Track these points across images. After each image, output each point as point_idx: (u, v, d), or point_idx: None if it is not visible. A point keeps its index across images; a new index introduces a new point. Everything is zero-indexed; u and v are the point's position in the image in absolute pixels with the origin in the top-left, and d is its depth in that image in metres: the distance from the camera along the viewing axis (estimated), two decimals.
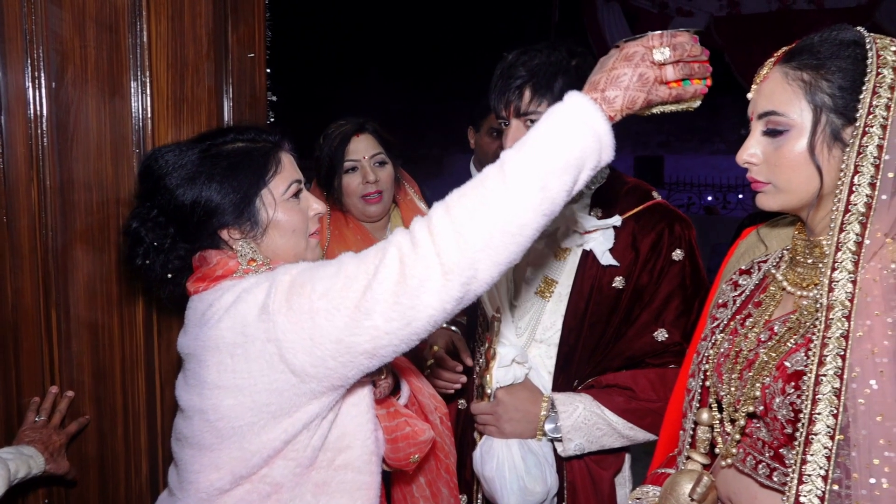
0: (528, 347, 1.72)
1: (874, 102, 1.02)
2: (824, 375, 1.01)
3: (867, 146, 1.02)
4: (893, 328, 1.00)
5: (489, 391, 1.66)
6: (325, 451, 1.26)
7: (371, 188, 2.11)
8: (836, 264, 1.04)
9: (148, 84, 1.63)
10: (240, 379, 1.18)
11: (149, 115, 1.64)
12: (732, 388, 1.20)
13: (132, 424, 1.70)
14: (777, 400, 1.11)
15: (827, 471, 1.00)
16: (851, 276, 1.03)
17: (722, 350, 1.25)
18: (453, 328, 1.93)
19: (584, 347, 1.66)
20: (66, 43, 1.54)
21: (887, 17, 6.01)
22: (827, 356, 1.02)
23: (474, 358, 1.82)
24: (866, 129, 1.02)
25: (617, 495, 1.72)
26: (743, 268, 1.35)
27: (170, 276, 1.33)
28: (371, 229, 2.20)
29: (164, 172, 1.28)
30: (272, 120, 2.03)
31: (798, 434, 1.03)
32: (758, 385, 1.14)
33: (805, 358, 1.08)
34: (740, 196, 10.20)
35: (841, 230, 1.04)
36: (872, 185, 1.02)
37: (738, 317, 1.27)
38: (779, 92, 1.11)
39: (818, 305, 1.06)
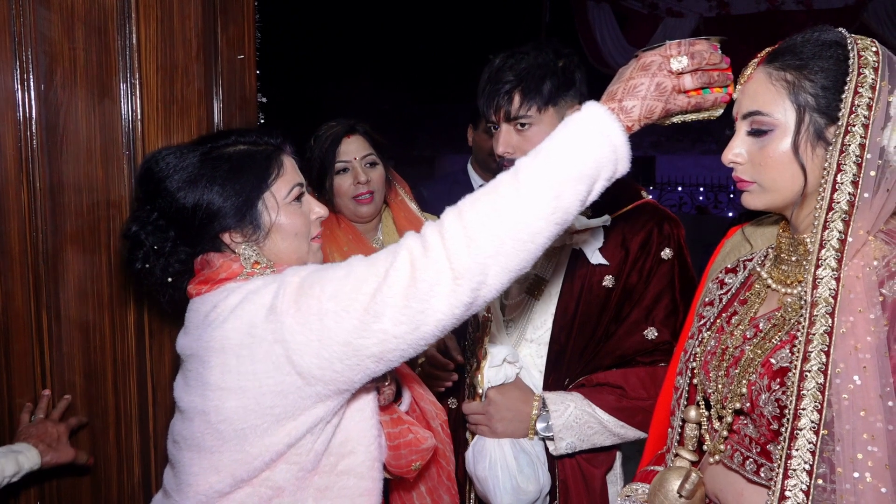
0: (518, 347, 1.73)
1: (856, 102, 1.03)
2: (808, 371, 1.03)
3: (849, 145, 1.03)
4: (876, 324, 1.01)
5: (480, 391, 1.67)
6: (328, 456, 1.25)
7: (362, 189, 2.12)
8: (819, 262, 1.05)
9: (137, 86, 1.63)
10: (244, 380, 1.17)
11: (138, 117, 1.64)
12: (719, 386, 1.22)
13: (124, 426, 1.70)
14: (763, 396, 1.12)
15: (812, 465, 1.01)
16: (835, 273, 1.04)
17: (709, 348, 1.26)
18: None
19: (575, 346, 1.67)
20: (54, 45, 1.54)
21: (874, 17, 6.05)
22: (811, 352, 1.03)
23: (465, 357, 1.83)
24: (849, 128, 1.03)
25: (608, 493, 1.73)
26: (729, 266, 1.36)
27: (170, 279, 1.32)
28: (362, 230, 2.21)
29: (165, 175, 1.27)
30: (262, 121, 2.03)
31: (783, 429, 1.05)
32: (744, 382, 1.15)
33: (790, 354, 1.09)
34: (731, 195, 10.24)
35: (825, 228, 1.05)
36: (855, 184, 1.03)
37: (724, 314, 1.28)
38: (763, 92, 1.12)
39: (802, 302, 1.08)
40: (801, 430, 1.02)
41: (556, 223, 1.08)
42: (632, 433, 1.65)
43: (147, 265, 1.30)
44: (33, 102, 1.52)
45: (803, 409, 1.02)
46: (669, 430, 1.37)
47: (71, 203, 1.59)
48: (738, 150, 1.15)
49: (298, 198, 1.34)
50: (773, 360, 1.12)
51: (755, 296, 1.24)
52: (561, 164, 1.06)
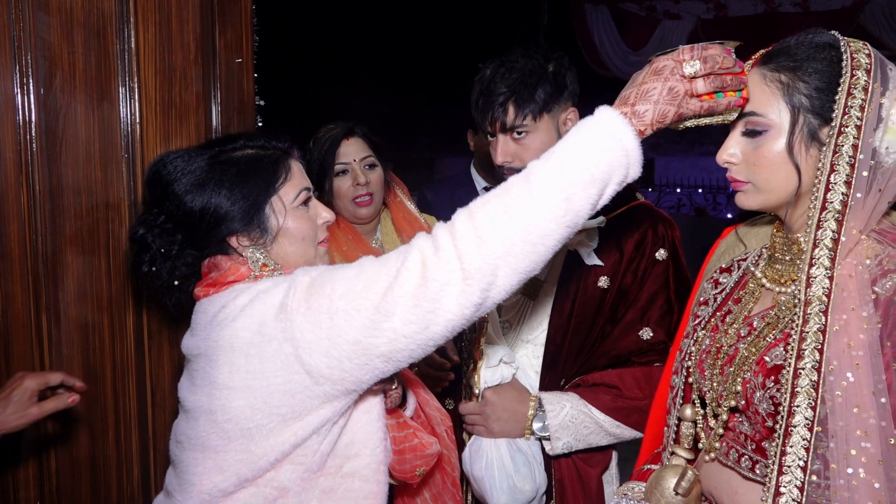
0: (515, 347, 1.74)
1: (849, 103, 1.05)
2: (803, 369, 1.04)
3: (843, 145, 1.05)
4: (868, 322, 1.02)
5: (477, 391, 1.67)
6: (333, 458, 1.25)
7: (362, 190, 2.13)
8: (813, 261, 1.06)
9: (136, 90, 1.64)
10: (252, 379, 1.17)
11: (137, 121, 1.65)
12: (714, 384, 1.22)
13: (123, 427, 1.71)
14: (758, 394, 1.13)
15: (806, 461, 1.02)
16: (828, 272, 1.06)
17: (703, 346, 1.27)
18: None
19: (571, 347, 1.68)
20: (54, 49, 1.55)
21: (871, 19, 6.08)
22: (805, 350, 1.04)
23: (462, 358, 1.84)
24: (842, 128, 1.05)
25: (605, 493, 1.74)
26: (723, 266, 1.37)
27: (176, 283, 1.32)
28: (362, 231, 2.22)
29: (173, 178, 1.27)
30: (261, 125, 2.04)
31: (778, 426, 1.06)
32: (739, 380, 1.16)
33: (784, 352, 1.10)
34: (730, 197, 10.25)
35: (818, 227, 1.06)
36: (848, 184, 1.04)
37: (718, 314, 1.29)
38: (757, 93, 1.13)
39: (796, 301, 1.09)
40: (795, 426, 1.03)
41: (567, 226, 1.08)
42: (628, 433, 1.66)
43: (154, 268, 1.31)
44: (33, 106, 1.53)
45: (797, 406, 1.03)
46: (665, 428, 1.37)
47: (70, 205, 1.60)
48: (732, 151, 1.16)
49: (306, 202, 1.35)
50: (767, 358, 1.13)
51: (749, 295, 1.25)
52: (573, 167, 1.07)
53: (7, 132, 1.52)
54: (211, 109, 1.79)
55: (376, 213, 2.23)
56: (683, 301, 1.60)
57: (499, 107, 1.60)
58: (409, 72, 10.58)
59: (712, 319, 1.29)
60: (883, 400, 0.99)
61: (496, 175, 1.75)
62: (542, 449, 1.68)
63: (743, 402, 1.16)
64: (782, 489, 1.03)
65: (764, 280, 1.23)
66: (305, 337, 1.14)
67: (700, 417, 1.27)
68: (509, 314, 1.77)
